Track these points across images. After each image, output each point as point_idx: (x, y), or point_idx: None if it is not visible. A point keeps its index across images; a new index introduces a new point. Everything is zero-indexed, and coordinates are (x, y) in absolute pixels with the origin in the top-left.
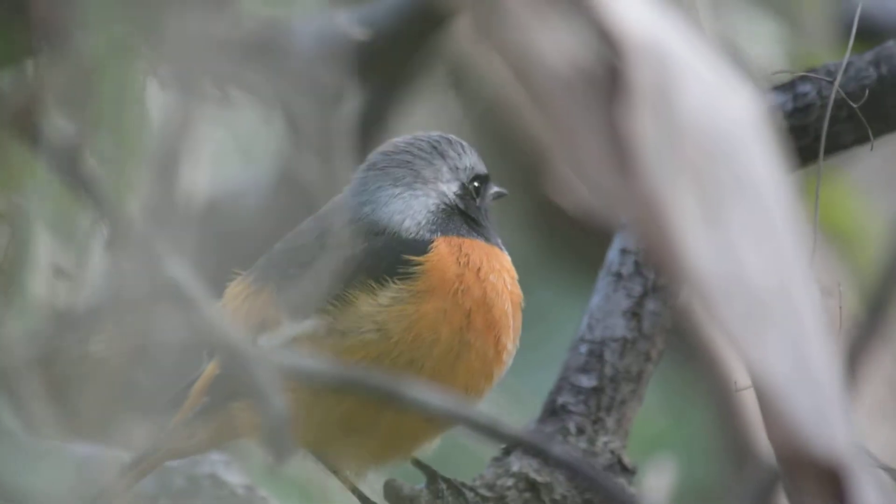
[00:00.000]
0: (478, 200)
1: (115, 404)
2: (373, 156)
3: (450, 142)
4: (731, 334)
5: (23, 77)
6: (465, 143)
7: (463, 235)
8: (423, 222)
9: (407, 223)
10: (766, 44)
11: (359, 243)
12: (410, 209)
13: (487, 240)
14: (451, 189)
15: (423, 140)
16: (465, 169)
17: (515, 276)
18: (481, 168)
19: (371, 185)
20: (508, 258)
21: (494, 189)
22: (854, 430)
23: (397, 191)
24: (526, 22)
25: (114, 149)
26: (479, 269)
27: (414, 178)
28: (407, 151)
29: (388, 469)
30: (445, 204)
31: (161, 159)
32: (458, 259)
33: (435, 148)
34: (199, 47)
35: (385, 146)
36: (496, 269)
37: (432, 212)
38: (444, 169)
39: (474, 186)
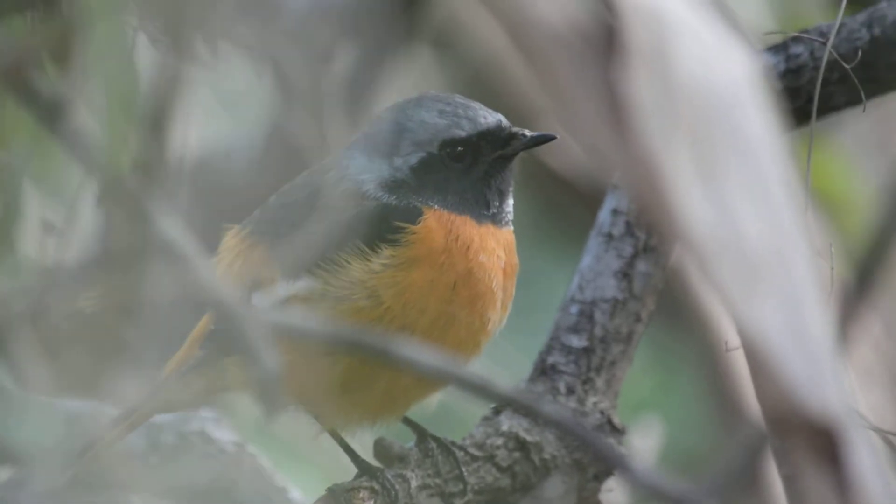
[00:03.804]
0: (461, 165)
1: (106, 360)
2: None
3: (419, 105)
4: (724, 294)
5: (14, 31)
6: (446, 106)
7: (454, 212)
8: (384, 192)
9: (370, 189)
10: (758, 4)
11: (350, 207)
12: (371, 181)
13: (478, 218)
14: (407, 162)
15: (389, 111)
16: (425, 142)
17: (513, 246)
18: (458, 132)
19: (351, 149)
20: (506, 232)
21: (527, 137)
22: (846, 392)
23: (362, 160)
24: None
25: (104, 104)
26: (468, 248)
27: (373, 150)
28: (378, 121)
29: (378, 428)
30: (395, 179)
31: (152, 115)
32: (446, 236)
33: (396, 120)
34: (190, 3)
35: (380, 111)
36: (488, 248)
37: (387, 184)
38: (402, 144)
39: (449, 153)
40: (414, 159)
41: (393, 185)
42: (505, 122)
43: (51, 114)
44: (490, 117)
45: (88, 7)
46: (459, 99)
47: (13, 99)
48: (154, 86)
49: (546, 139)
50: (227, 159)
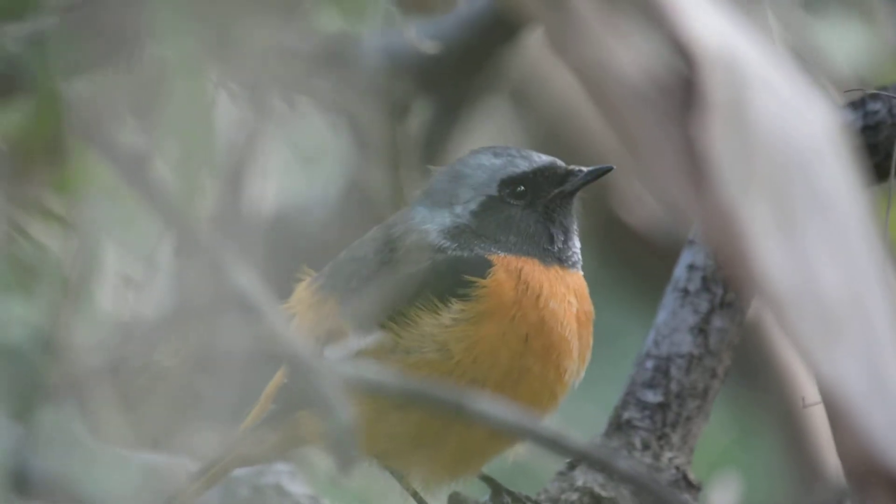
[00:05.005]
0: (522, 202)
1: (182, 413)
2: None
3: (474, 153)
4: (803, 348)
5: (94, 86)
6: (500, 150)
7: (519, 255)
8: (446, 239)
9: (433, 238)
10: (839, 55)
11: (421, 260)
12: (434, 230)
13: (543, 259)
14: (468, 208)
15: (448, 164)
16: (483, 184)
17: (585, 291)
18: (514, 169)
19: (415, 203)
20: (575, 276)
21: (583, 172)
22: None
23: (425, 211)
24: (600, 34)
25: (182, 158)
26: (538, 297)
27: (434, 201)
28: (438, 175)
29: (456, 484)
30: (456, 225)
31: (229, 169)
32: (516, 286)
33: (454, 169)
34: (268, 59)
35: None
36: (558, 293)
37: (450, 232)
38: (461, 190)
39: (509, 192)
40: (474, 204)
41: (455, 232)
42: (560, 162)
43: (130, 168)
44: (544, 157)
45: (169, 63)
46: (513, 147)
47: (93, 152)
48: (232, 140)
49: (602, 172)
50: (304, 213)
